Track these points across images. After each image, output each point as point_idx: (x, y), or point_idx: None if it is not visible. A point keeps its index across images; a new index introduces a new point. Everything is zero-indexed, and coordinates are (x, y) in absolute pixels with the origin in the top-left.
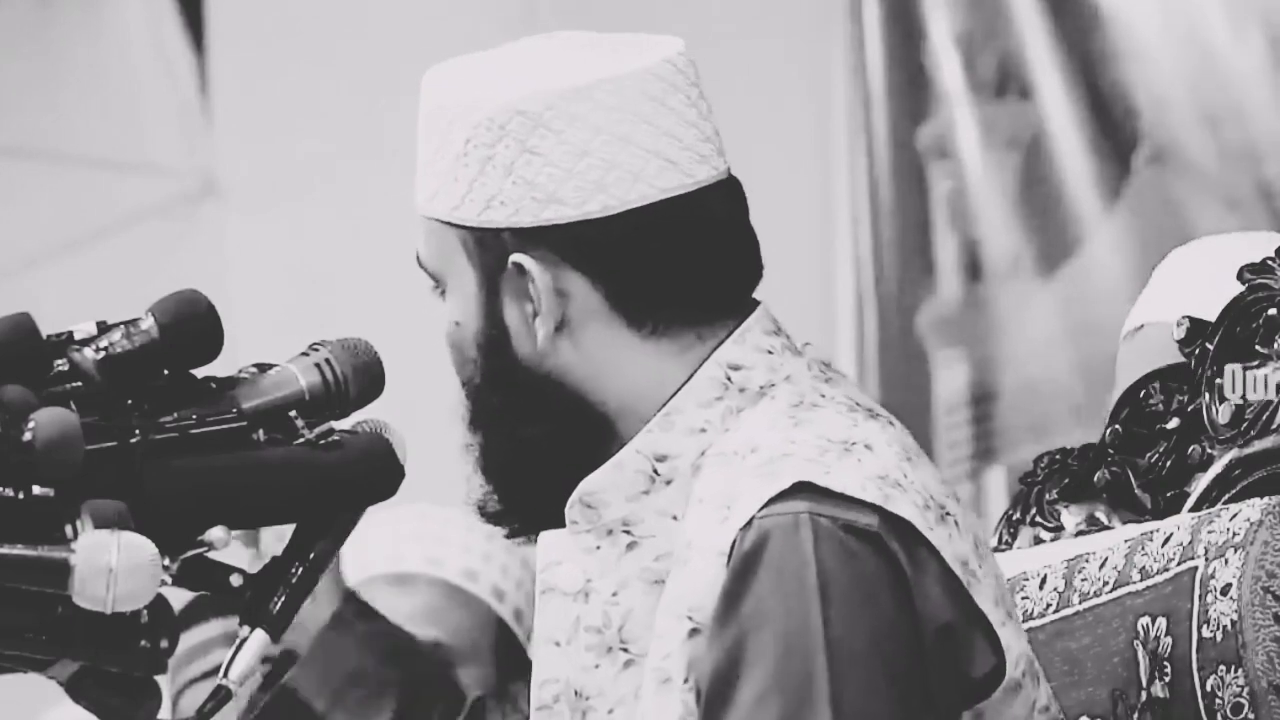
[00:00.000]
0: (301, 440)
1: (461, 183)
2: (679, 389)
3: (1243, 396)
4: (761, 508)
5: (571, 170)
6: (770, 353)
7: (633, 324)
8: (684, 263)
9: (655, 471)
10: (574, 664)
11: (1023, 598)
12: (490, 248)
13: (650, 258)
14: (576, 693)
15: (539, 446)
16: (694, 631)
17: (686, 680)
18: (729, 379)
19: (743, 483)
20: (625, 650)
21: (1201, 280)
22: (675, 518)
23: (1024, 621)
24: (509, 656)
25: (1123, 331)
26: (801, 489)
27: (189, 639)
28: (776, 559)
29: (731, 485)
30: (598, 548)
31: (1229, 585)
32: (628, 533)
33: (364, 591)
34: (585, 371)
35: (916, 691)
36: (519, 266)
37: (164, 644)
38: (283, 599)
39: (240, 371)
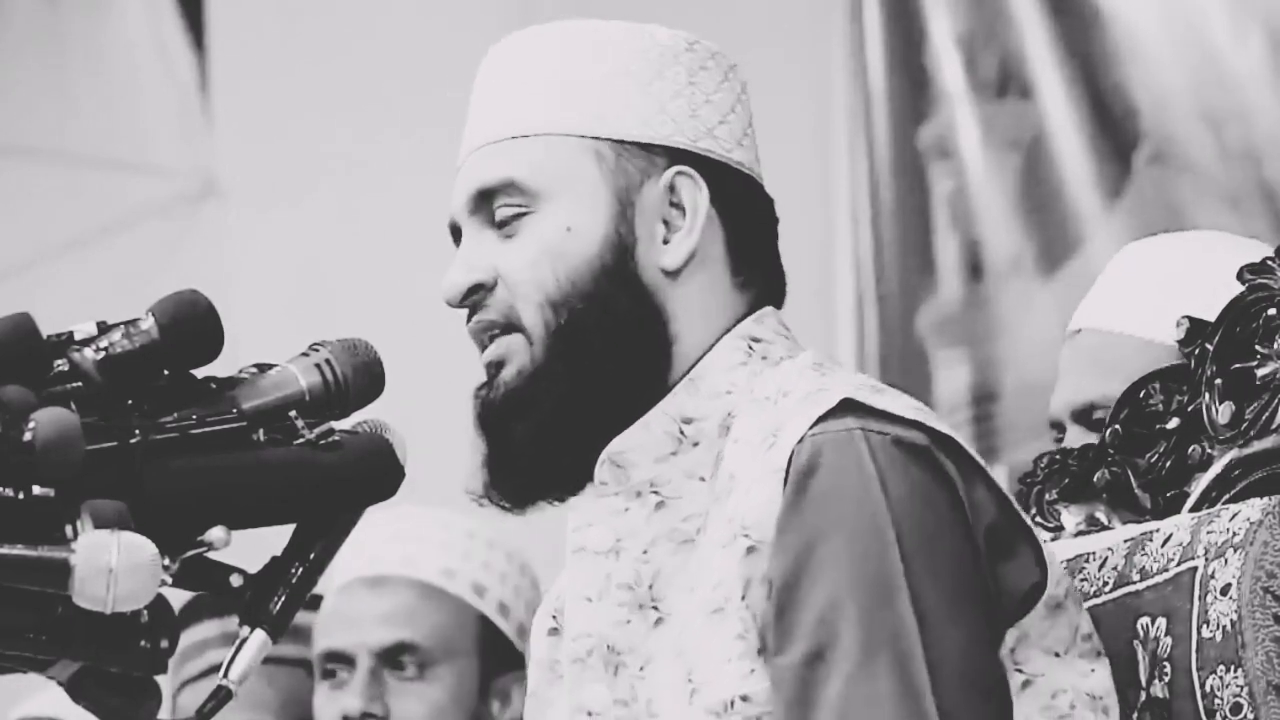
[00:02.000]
0: (301, 440)
1: (612, 99)
2: (703, 355)
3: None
4: (811, 426)
5: (725, 117)
6: (785, 337)
7: (735, 271)
8: (769, 239)
9: (682, 433)
10: (606, 619)
11: None
12: (635, 160)
13: (758, 221)
14: (609, 647)
15: (619, 368)
16: (751, 549)
17: (744, 597)
18: (750, 348)
19: (786, 413)
20: (655, 609)
21: (1142, 289)
22: (702, 479)
23: None
24: (494, 651)
25: (1066, 330)
26: (849, 407)
27: (186, 638)
28: (835, 467)
29: (773, 419)
30: (626, 510)
31: (1229, 585)
32: (656, 493)
33: (344, 594)
34: (685, 310)
35: (979, 589)
36: (676, 182)
37: (164, 644)
38: (283, 599)
39: (240, 371)
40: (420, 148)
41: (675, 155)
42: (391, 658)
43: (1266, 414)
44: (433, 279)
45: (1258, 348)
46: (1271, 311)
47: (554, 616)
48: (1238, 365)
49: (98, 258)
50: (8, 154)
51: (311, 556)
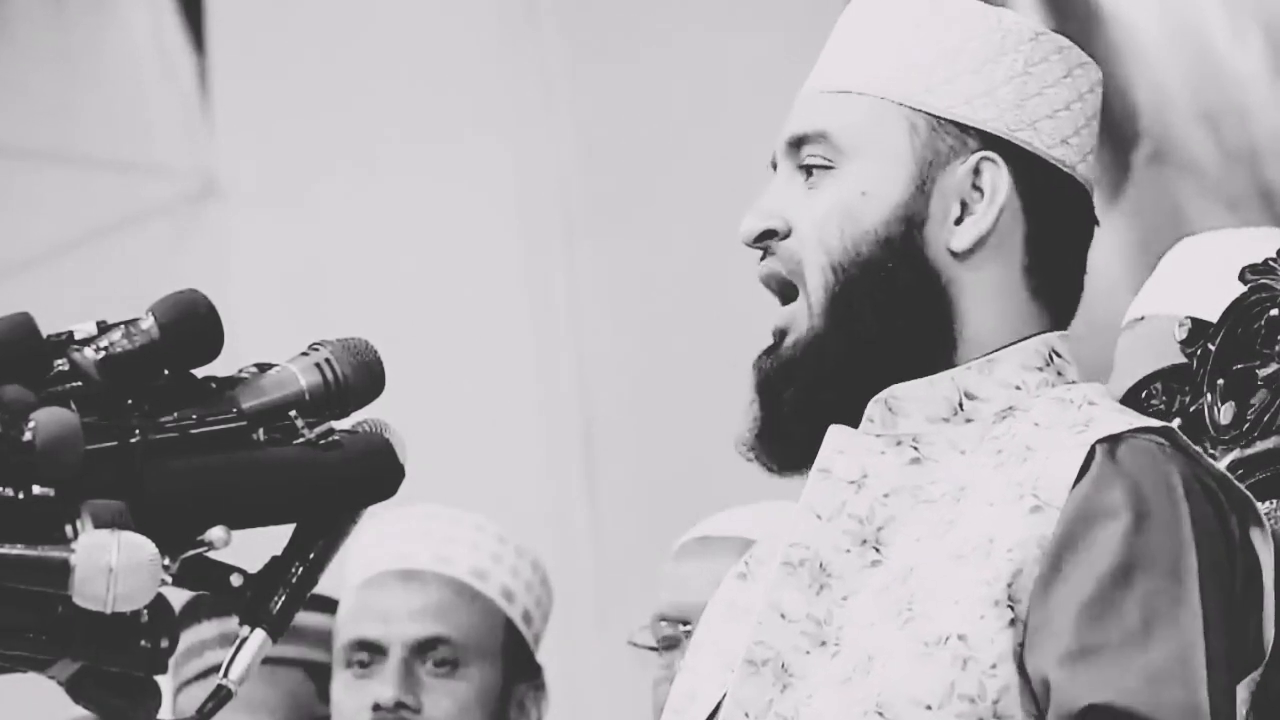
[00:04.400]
0: (301, 440)
1: (942, 73)
2: (1007, 345)
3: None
4: (1128, 431)
5: (1055, 113)
6: (1077, 368)
7: (1029, 271)
8: (1079, 246)
9: (960, 405)
10: (828, 540)
11: None
12: (947, 137)
13: (1068, 225)
14: (821, 565)
15: (895, 339)
16: (1036, 509)
17: (1011, 550)
18: (1051, 359)
19: (1099, 414)
20: (877, 550)
21: (1205, 277)
22: (963, 453)
23: None
24: (517, 657)
25: (1124, 320)
26: (1167, 433)
27: (185, 639)
28: (1144, 465)
29: (1083, 416)
30: (883, 453)
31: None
32: (915, 448)
33: (372, 587)
34: (972, 295)
35: (1236, 629)
36: (981, 166)
37: (164, 644)
38: (283, 599)
39: (240, 371)
40: (421, 147)
41: (989, 140)
42: (424, 651)
43: (1268, 415)
44: (431, 278)
45: (1259, 348)
46: (1274, 312)
47: (747, 563)
48: (1240, 365)
49: (98, 258)
50: (9, 154)
51: (311, 556)
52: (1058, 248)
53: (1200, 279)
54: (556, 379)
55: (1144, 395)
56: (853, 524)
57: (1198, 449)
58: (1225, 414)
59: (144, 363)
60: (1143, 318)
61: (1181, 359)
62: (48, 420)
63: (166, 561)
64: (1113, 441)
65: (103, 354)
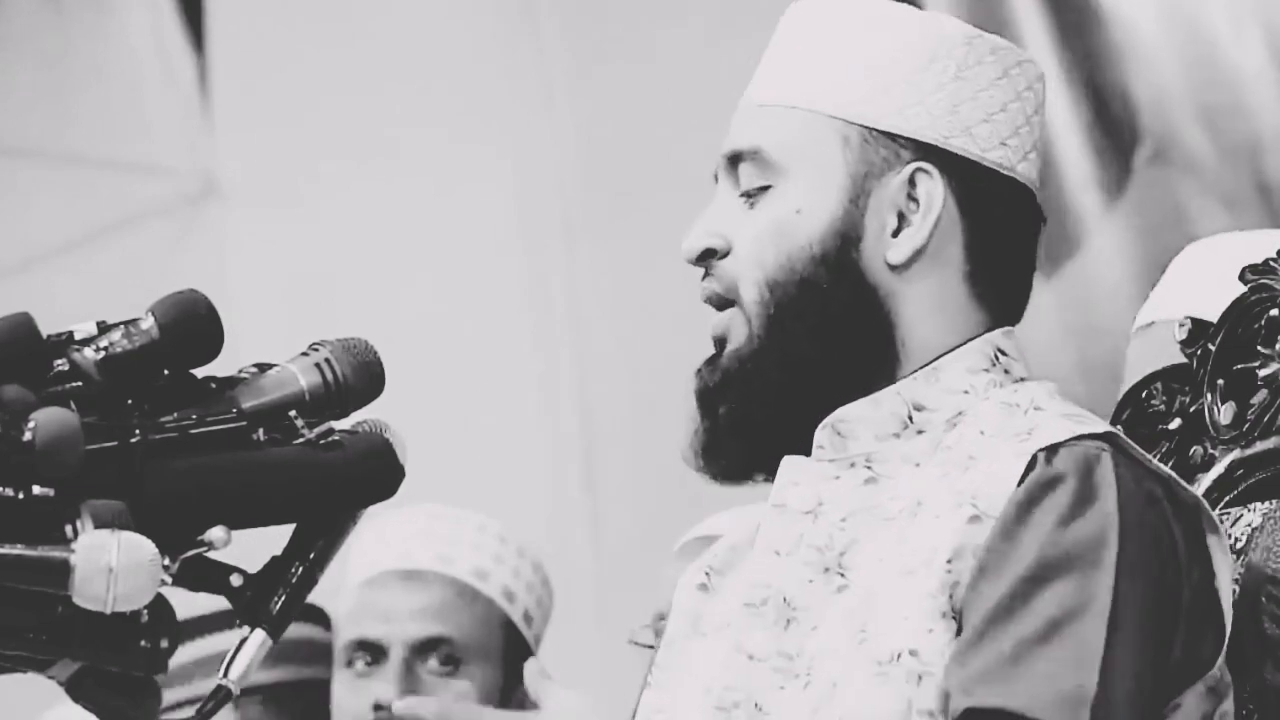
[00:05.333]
0: (301, 440)
1: (873, 84)
2: (949, 350)
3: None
4: (1070, 439)
5: (991, 116)
6: (1026, 364)
7: (970, 278)
8: (1023, 248)
9: (910, 419)
10: (790, 574)
11: None
12: (880, 149)
13: (1009, 227)
14: (785, 600)
15: (832, 357)
16: (975, 518)
17: (950, 560)
18: (996, 359)
19: (1043, 420)
20: (842, 575)
21: (1214, 279)
22: (918, 465)
23: None
24: (516, 659)
25: (1134, 326)
26: (1110, 438)
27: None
28: (1081, 471)
29: (1026, 422)
30: (837, 478)
31: (1232, 591)
32: (869, 468)
33: (374, 586)
34: (912, 307)
35: (1162, 636)
36: (915, 177)
37: (164, 644)
38: (283, 599)
39: (240, 371)
40: (420, 148)
41: (924, 149)
42: (425, 651)
43: (1268, 415)
44: (431, 278)
45: (1260, 348)
46: (1274, 312)
47: (707, 574)
48: (1240, 366)
49: (98, 258)
50: (8, 154)
51: (311, 556)
52: (1000, 252)
53: (1208, 282)
54: (556, 379)
55: (1144, 395)
56: (813, 554)
57: (1143, 453)
58: (1225, 414)
59: (144, 363)
60: (1152, 323)
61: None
62: (48, 420)
63: (166, 561)
64: (1052, 450)
65: (103, 354)
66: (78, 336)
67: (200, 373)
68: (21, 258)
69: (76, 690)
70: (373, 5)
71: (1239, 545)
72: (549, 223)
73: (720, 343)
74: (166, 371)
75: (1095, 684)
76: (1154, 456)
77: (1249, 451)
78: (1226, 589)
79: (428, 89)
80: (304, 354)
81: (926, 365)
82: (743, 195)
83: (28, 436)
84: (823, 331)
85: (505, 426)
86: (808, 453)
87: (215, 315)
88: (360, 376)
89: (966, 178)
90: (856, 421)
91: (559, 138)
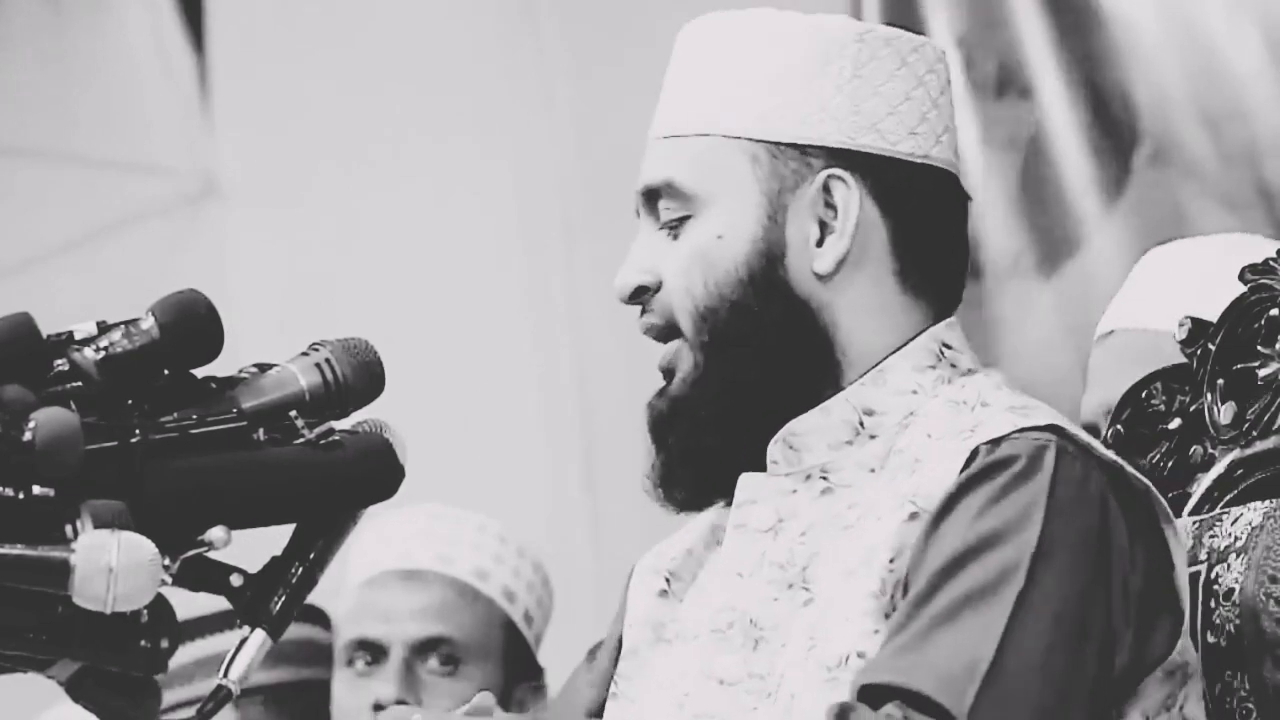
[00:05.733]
0: (301, 440)
1: (771, 98)
2: (894, 351)
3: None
4: (1013, 432)
5: (895, 108)
6: (972, 353)
7: (901, 274)
8: (951, 232)
9: (861, 424)
10: (754, 595)
11: None
12: (790, 162)
13: (933, 215)
14: (752, 621)
15: (775, 377)
16: (914, 515)
17: (892, 560)
18: (942, 353)
19: (988, 417)
20: (806, 589)
21: (1170, 289)
22: (873, 470)
23: None
24: (517, 658)
25: (1095, 335)
26: (1054, 430)
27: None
28: (1018, 466)
29: (970, 420)
30: (794, 491)
31: (1231, 590)
32: (825, 479)
33: (374, 586)
34: (847, 314)
35: (1089, 630)
36: (829, 184)
37: (164, 644)
38: (283, 599)
39: (240, 371)
40: (420, 147)
41: (834, 154)
42: (425, 651)
43: (1268, 414)
44: (431, 278)
45: (1259, 348)
46: (1273, 312)
47: (667, 580)
48: (1240, 365)
49: (98, 258)
50: (8, 154)
51: (311, 556)
52: (927, 242)
53: (1166, 291)
54: (556, 379)
55: (1144, 395)
56: (775, 571)
57: (1091, 441)
58: (1225, 414)
59: (144, 363)
60: (1112, 332)
61: (1145, 372)
62: (48, 420)
63: (166, 561)
64: (994, 444)
65: (103, 354)
66: (78, 336)
67: (200, 373)
68: (21, 258)
69: (76, 690)
70: (372, 5)
71: (1239, 544)
72: (549, 223)
73: (668, 374)
74: (166, 371)
75: (990, 658)
76: (1154, 456)
77: (1249, 451)
78: (1183, 576)
79: (428, 89)
80: (304, 354)
81: (873, 369)
82: (664, 228)
83: (28, 436)
84: (762, 353)
85: (505, 426)
86: (764, 469)
87: (215, 315)
88: (360, 376)
89: (881, 175)
90: (808, 433)
91: (559, 138)
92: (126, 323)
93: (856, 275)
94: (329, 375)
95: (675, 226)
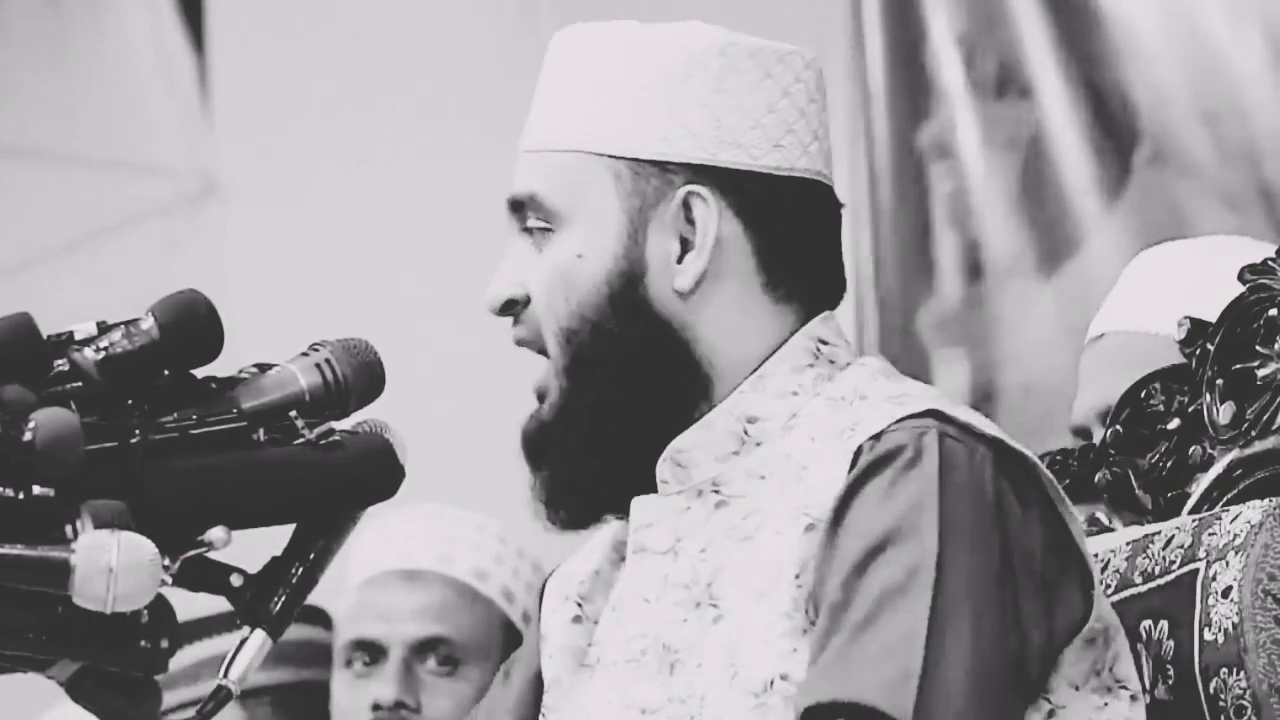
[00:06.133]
0: (301, 440)
1: (633, 115)
2: (770, 354)
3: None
4: (892, 424)
5: (759, 122)
6: (848, 343)
7: (768, 285)
8: (821, 241)
9: (745, 433)
10: (663, 619)
11: None
12: (651, 179)
13: (801, 226)
14: (665, 645)
15: (641, 398)
16: (809, 527)
17: (798, 575)
18: (818, 351)
19: (866, 411)
20: (714, 606)
21: (1161, 291)
22: (763, 477)
23: None
24: None
25: (1086, 338)
26: (933, 414)
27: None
28: (903, 458)
29: (850, 417)
30: (688, 509)
31: (1229, 588)
32: (716, 492)
33: (374, 586)
34: (712, 329)
35: (1001, 600)
36: (689, 201)
37: (164, 644)
38: (283, 599)
39: (240, 371)
40: (420, 147)
41: (696, 171)
42: (424, 651)
43: (1267, 414)
44: (432, 279)
45: (1258, 348)
46: (1272, 312)
47: (579, 605)
48: (1239, 366)
49: (98, 258)
50: (8, 154)
51: (311, 556)
52: (794, 252)
53: (1156, 293)
54: None
55: (1143, 395)
56: (680, 593)
57: (973, 415)
58: (1225, 414)
59: (144, 363)
60: (1103, 334)
61: (1136, 375)
62: (48, 420)
63: (166, 561)
64: (876, 439)
65: (103, 354)
66: (78, 336)
67: (200, 373)
68: (21, 258)
69: (76, 690)
70: (372, 6)
71: (1238, 542)
72: None
73: (540, 396)
74: (166, 371)
75: (921, 657)
76: (1153, 457)
77: (1248, 451)
78: (1081, 538)
79: (428, 89)
80: (304, 354)
81: (751, 375)
82: (526, 230)
83: (28, 436)
84: (623, 375)
85: (505, 426)
86: (655, 489)
87: (215, 315)
88: (360, 377)
89: (743, 190)
90: (694, 448)
91: None
92: (126, 323)
93: (718, 290)
94: (329, 375)
95: (539, 237)
